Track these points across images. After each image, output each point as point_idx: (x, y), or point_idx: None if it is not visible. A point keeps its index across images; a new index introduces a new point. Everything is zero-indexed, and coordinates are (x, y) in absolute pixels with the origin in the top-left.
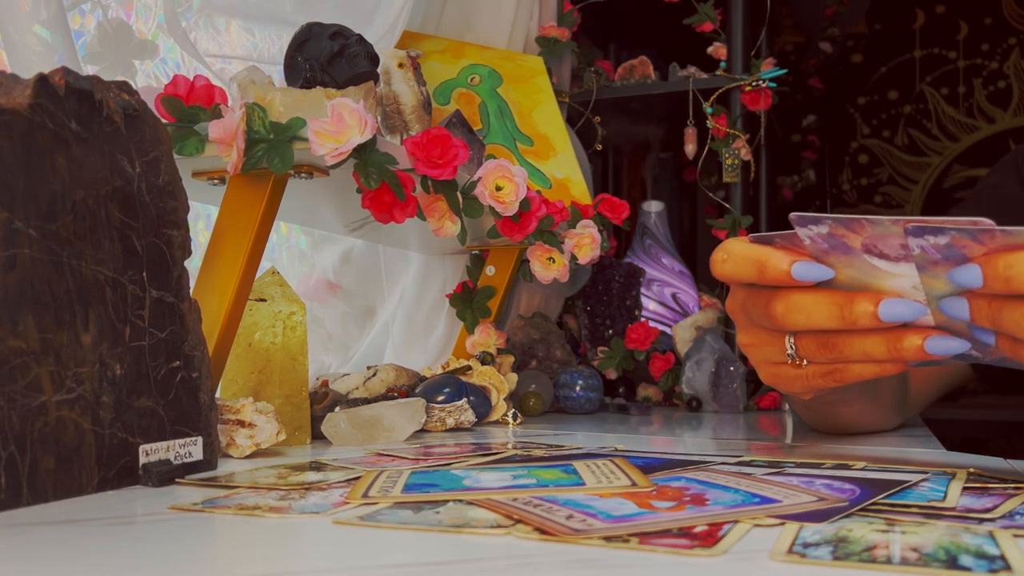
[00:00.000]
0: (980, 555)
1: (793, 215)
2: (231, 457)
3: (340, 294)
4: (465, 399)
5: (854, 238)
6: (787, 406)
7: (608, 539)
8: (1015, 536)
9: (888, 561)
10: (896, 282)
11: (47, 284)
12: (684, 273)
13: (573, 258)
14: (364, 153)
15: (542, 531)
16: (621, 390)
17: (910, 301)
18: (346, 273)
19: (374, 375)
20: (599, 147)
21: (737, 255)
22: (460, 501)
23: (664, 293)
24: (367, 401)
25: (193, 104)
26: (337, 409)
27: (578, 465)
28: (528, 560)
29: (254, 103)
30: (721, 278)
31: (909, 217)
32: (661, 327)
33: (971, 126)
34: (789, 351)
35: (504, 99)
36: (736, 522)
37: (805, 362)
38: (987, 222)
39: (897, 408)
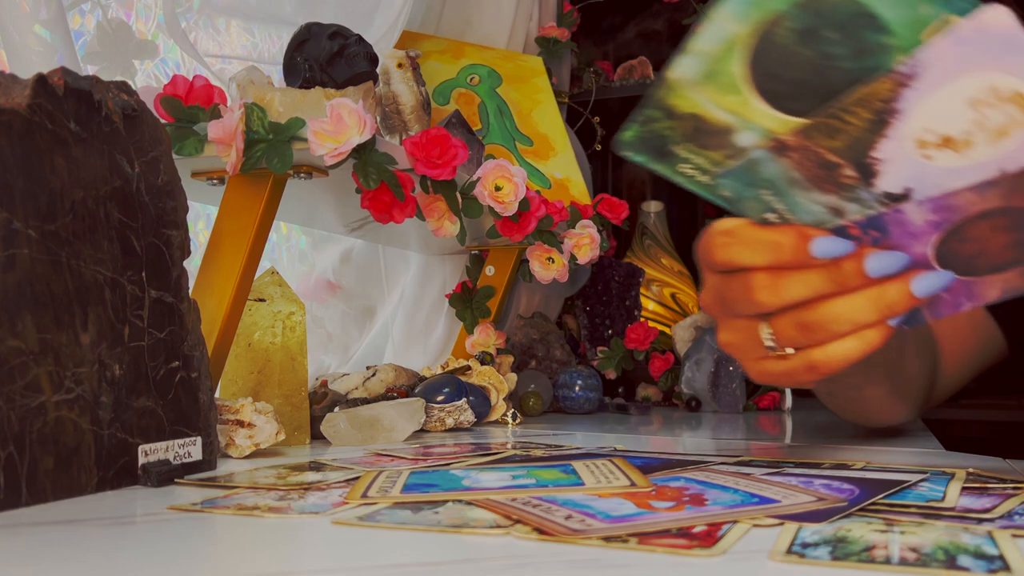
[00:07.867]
0: (979, 555)
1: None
2: (230, 457)
3: (340, 294)
4: (465, 399)
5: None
6: (787, 406)
7: (607, 539)
8: (1014, 536)
9: (887, 561)
10: None
11: (46, 284)
12: (684, 273)
13: (572, 258)
14: (363, 153)
15: (541, 531)
16: (621, 390)
17: (895, 252)
18: (346, 273)
19: (374, 375)
20: (599, 147)
21: (747, 237)
22: (459, 501)
23: (664, 293)
24: (367, 401)
25: (192, 104)
26: (336, 409)
27: (577, 465)
28: (527, 560)
29: (253, 103)
30: (723, 265)
31: None
32: (661, 327)
33: None
34: (768, 343)
35: (504, 99)
36: (735, 522)
37: (788, 350)
38: None
39: (922, 395)
